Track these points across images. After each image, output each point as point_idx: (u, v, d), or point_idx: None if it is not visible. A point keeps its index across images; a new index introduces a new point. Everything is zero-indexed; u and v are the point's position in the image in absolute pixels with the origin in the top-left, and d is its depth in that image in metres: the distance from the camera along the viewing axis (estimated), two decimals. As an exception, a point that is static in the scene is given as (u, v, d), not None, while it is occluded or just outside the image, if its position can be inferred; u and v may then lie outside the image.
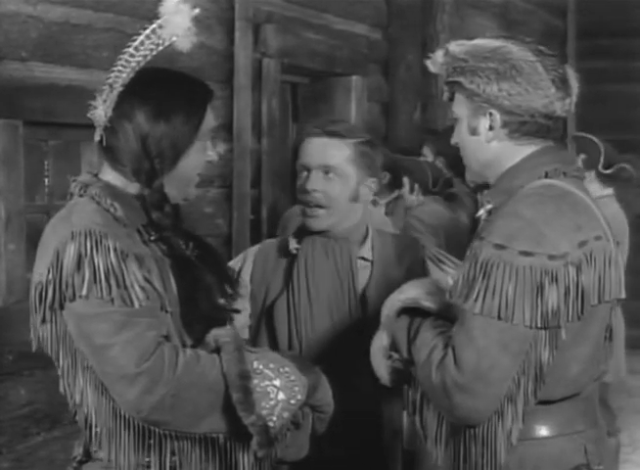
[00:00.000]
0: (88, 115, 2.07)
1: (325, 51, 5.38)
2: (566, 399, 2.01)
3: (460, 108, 2.10)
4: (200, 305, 2.06)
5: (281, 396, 2.00)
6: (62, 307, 1.93)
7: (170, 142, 2.04)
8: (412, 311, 2.09)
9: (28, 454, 3.60)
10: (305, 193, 2.62)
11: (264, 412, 1.97)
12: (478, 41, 2.08)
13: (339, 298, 2.60)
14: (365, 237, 2.69)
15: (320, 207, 2.61)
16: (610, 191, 4.65)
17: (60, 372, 1.99)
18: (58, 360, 1.98)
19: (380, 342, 2.14)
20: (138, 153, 2.04)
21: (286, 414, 2.01)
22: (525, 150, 2.07)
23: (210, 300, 2.09)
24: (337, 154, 2.62)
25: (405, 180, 4.57)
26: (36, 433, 3.61)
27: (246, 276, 2.70)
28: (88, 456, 2.06)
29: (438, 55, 2.11)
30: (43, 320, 1.96)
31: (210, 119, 2.12)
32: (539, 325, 1.89)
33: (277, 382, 2.00)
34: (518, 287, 1.88)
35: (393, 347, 2.10)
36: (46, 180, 3.89)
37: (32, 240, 3.66)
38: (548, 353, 1.91)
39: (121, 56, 2.05)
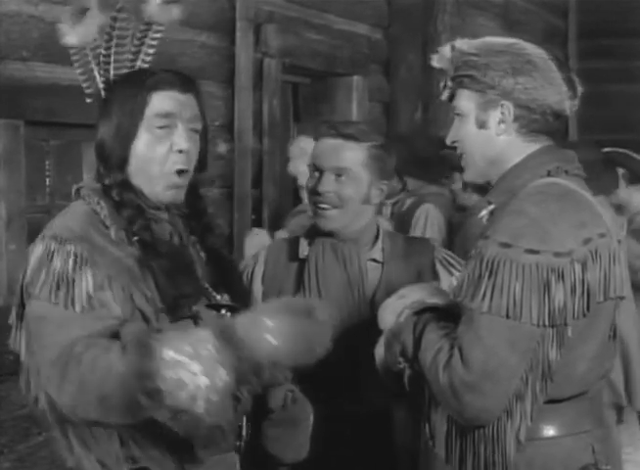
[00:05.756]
0: None
1: (326, 51, 5.38)
2: (573, 397, 2.01)
3: (466, 102, 2.09)
4: (179, 284, 2.00)
5: (203, 381, 1.80)
6: (24, 307, 1.97)
7: (113, 134, 2.04)
8: (417, 313, 2.10)
9: (29, 454, 3.60)
10: (317, 195, 2.62)
11: (184, 402, 1.79)
12: (487, 39, 2.10)
13: (349, 300, 2.60)
14: (376, 238, 2.69)
15: (332, 207, 2.61)
16: None
17: (21, 371, 2.01)
18: (20, 359, 2.00)
19: (383, 349, 2.14)
20: (95, 154, 2.10)
21: (215, 397, 1.81)
22: (529, 147, 2.07)
23: (191, 279, 2.05)
24: (350, 156, 2.61)
25: (457, 176, 4.52)
26: (37, 433, 3.61)
27: (257, 277, 2.70)
28: None
29: (446, 50, 2.11)
30: (12, 316, 2.01)
31: (159, 107, 2.03)
32: (546, 323, 1.89)
33: (195, 367, 1.80)
34: (525, 285, 1.88)
35: (403, 353, 2.09)
36: (47, 180, 3.89)
37: (33, 240, 3.66)
38: (555, 351, 1.91)
39: None
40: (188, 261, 2.11)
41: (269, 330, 1.81)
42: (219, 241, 2.26)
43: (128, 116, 2.02)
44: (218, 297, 2.10)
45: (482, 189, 4.43)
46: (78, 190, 2.10)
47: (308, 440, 2.16)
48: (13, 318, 2.01)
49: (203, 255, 2.17)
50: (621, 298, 2.03)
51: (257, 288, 2.69)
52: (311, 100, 5.75)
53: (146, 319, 1.98)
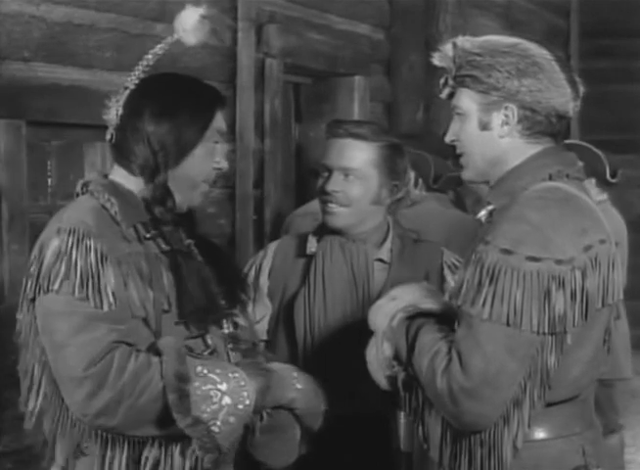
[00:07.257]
0: (103, 115, 2.13)
1: (328, 51, 5.37)
2: (566, 401, 2.00)
3: (468, 102, 2.07)
4: (194, 296, 2.03)
5: (226, 400, 1.92)
6: (34, 300, 1.97)
7: (174, 139, 2.06)
8: (410, 317, 2.08)
9: (32, 455, 3.60)
10: (325, 194, 2.62)
11: (205, 416, 1.90)
12: (489, 37, 2.08)
13: (353, 299, 2.60)
14: (385, 239, 2.69)
15: (340, 206, 2.61)
16: (605, 196, 4.70)
17: (19, 361, 2.02)
18: (23, 349, 2.00)
19: (374, 350, 2.12)
20: (143, 148, 2.07)
21: (232, 419, 1.93)
22: (531, 149, 2.05)
23: (205, 291, 2.06)
24: (359, 156, 2.61)
25: (411, 174, 4.49)
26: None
27: (265, 271, 2.71)
28: (81, 452, 2.07)
29: (447, 48, 2.09)
30: (21, 311, 2.00)
31: (219, 124, 2.13)
32: (546, 331, 1.87)
33: (223, 386, 1.92)
34: (525, 293, 1.86)
35: (396, 356, 2.08)
36: (49, 180, 3.89)
37: (35, 241, 3.66)
38: (554, 359, 1.90)
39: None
40: (206, 269, 2.15)
41: (295, 377, 2.12)
42: (217, 242, 2.31)
43: (196, 128, 2.09)
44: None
45: (429, 187, 4.38)
46: (85, 185, 2.10)
47: (297, 445, 2.17)
48: (23, 314, 2.01)
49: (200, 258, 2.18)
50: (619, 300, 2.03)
51: (264, 282, 2.70)
52: (313, 100, 5.74)
53: (145, 320, 2.00)
